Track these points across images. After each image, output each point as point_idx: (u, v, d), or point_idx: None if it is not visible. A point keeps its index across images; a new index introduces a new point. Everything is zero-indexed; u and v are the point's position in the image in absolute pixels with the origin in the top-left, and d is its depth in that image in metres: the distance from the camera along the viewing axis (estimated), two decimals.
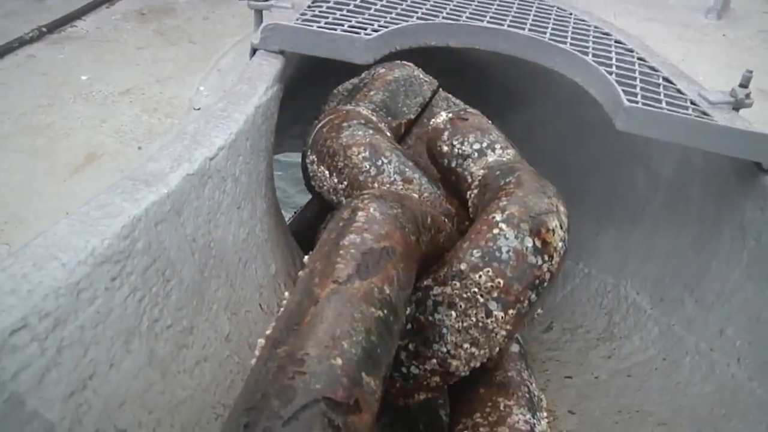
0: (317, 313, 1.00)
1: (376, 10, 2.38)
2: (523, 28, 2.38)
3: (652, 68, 2.35)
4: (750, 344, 1.77)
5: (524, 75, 3.08)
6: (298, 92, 2.61)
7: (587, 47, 2.35)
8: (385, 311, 1.08)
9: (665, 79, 2.26)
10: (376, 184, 1.85)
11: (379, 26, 2.18)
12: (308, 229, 2.88)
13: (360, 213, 1.26)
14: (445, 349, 1.44)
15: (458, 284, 1.41)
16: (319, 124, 2.07)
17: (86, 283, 0.95)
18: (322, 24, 2.13)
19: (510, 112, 3.33)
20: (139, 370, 1.03)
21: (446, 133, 1.91)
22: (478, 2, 2.63)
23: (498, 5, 2.64)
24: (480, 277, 1.39)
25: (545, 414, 1.64)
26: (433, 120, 2.01)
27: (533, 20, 2.51)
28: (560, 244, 1.46)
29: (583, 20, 2.67)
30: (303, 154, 2.14)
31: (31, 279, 0.89)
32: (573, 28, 2.53)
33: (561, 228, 1.48)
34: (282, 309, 1.08)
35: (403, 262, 1.22)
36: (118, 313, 1.01)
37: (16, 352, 0.83)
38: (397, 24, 2.21)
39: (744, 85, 2.15)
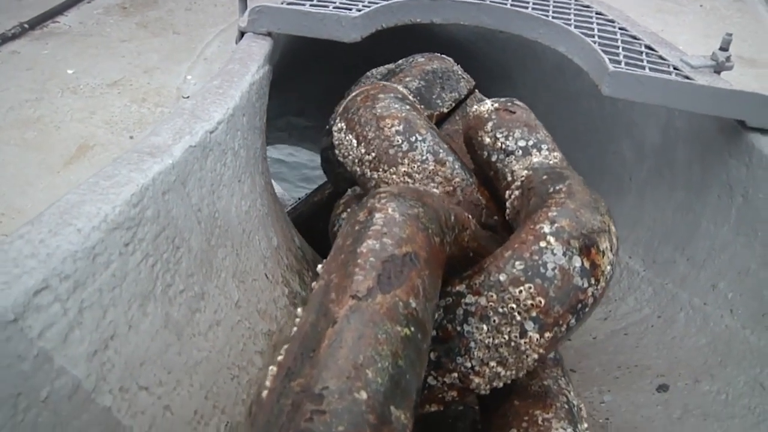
0: (335, 335, 0.90)
1: None
2: (506, 3, 2.41)
3: (634, 37, 2.38)
4: (741, 295, 1.82)
5: (506, 52, 3.12)
6: (283, 85, 2.63)
7: (569, 19, 2.39)
8: (413, 328, 0.97)
9: (647, 47, 2.30)
10: (406, 161, 1.74)
11: (364, 6, 2.20)
12: (305, 220, 2.89)
13: (377, 214, 1.15)
14: (469, 365, 1.33)
15: (495, 296, 1.29)
16: (353, 93, 1.95)
17: (101, 247, 0.97)
18: (306, 6, 2.15)
19: (493, 88, 3.36)
20: (156, 332, 1.05)
21: (490, 124, 1.78)
22: None
23: None
24: (520, 292, 1.27)
25: (586, 425, 1.51)
26: (476, 107, 1.88)
27: None
28: (609, 268, 1.35)
29: None
30: (328, 127, 2.08)
31: (49, 244, 0.91)
32: (554, 2, 2.57)
33: (611, 250, 1.37)
34: (295, 329, 0.98)
35: (429, 269, 1.11)
36: (133, 277, 1.03)
37: (41, 311, 0.85)
38: (381, 3, 2.23)
39: (724, 48, 2.20)
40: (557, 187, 1.47)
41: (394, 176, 1.73)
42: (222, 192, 1.39)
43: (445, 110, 2.25)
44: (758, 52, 3.30)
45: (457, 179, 1.74)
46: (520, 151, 1.72)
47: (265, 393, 0.92)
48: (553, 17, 2.36)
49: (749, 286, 1.81)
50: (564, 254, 1.28)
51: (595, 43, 2.18)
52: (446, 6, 2.36)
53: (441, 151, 1.75)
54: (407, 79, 2.22)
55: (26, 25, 2.99)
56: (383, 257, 1.05)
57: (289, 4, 2.14)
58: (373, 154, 1.76)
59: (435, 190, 1.73)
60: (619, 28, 2.43)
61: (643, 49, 2.27)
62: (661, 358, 1.87)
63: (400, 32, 2.37)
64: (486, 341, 1.30)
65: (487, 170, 1.78)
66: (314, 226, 2.53)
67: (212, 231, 1.30)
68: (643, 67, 2.05)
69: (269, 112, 2.02)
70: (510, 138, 1.73)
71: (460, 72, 2.36)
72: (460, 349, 1.32)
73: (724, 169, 2.04)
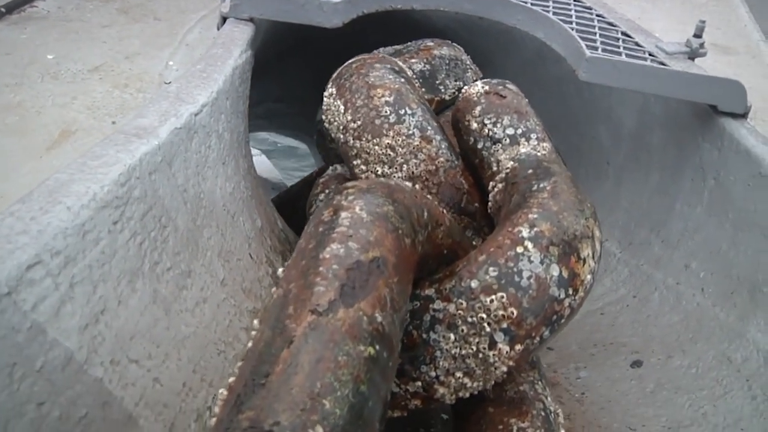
0: (291, 359, 0.82)
1: None
2: None
3: (611, 24, 2.43)
4: (713, 274, 1.88)
5: (487, 39, 3.15)
6: (264, 72, 2.64)
7: (548, 6, 2.43)
8: (377, 346, 0.89)
9: (624, 33, 2.35)
10: (391, 133, 1.67)
11: None
12: (292, 199, 2.89)
13: (343, 214, 1.07)
14: (434, 374, 1.26)
15: (464, 304, 1.22)
16: (350, 61, 1.91)
17: (90, 225, 1.00)
18: None
19: None
20: (145, 308, 1.08)
21: (478, 108, 1.71)
22: None
23: None
24: (491, 301, 1.20)
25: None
26: (465, 89, 1.81)
27: None
28: (589, 277, 1.28)
29: None
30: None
31: (40, 221, 0.93)
32: None
33: (593, 258, 1.30)
34: (250, 345, 0.91)
35: (398, 275, 1.02)
36: (122, 254, 1.06)
37: (34, 285, 0.87)
38: None
39: (698, 35, 2.25)
40: (541, 185, 1.40)
41: (376, 147, 1.69)
42: (207, 173, 1.41)
43: (447, 98, 2.21)
44: (731, 39, 3.37)
45: (442, 159, 1.69)
46: (508, 140, 1.64)
47: (213, 422, 0.86)
48: (531, 4, 2.40)
49: (720, 265, 1.88)
50: (541, 262, 1.22)
51: (572, 29, 2.22)
52: None
53: (429, 128, 1.69)
54: (413, 60, 2.17)
55: (2, 9, 2.96)
56: (347, 264, 0.96)
57: None
58: (359, 122, 1.71)
59: (414, 173, 1.67)
60: (597, 15, 2.48)
61: (619, 35, 2.31)
62: (635, 335, 1.93)
63: (382, 19, 2.40)
64: (453, 351, 1.23)
65: (473, 157, 1.72)
66: (300, 205, 2.51)
67: (198, 211, 1.33)
68: (620, 53, 2.10)
69: (250, 99, 2.04)
70: (498, 125, 1.66)
71: (468, 62, 2.32)
72: (425, 357, 1.25)
73: (698, 153, 2.10)
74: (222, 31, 1.99)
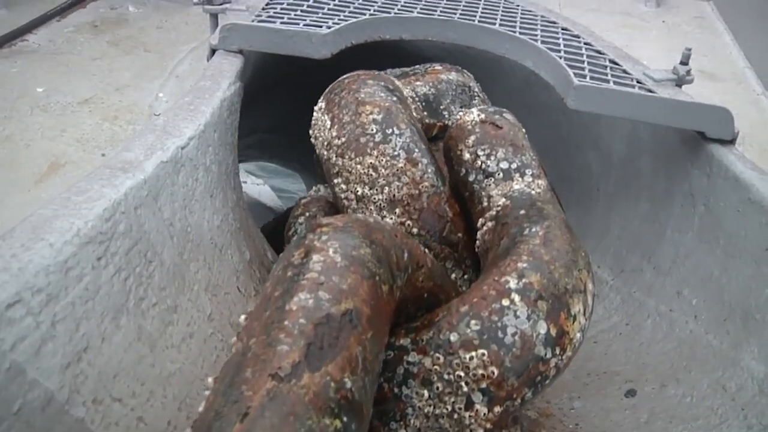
0: None
1: (329, 9, 2.44)
2: (473, 19, 2.47)
3: (599, 52, 2.45)
4: (705, 301, 1.87)
5: (475, 67, 3.17)
6: (254, 102, 2.65)
7: (536, 35, 2.45)
8: (345, 418, 0.80)
9: (611, 61, 2.37)
10: (375, 152, 1.59)
11: (333, 23, 2.24)
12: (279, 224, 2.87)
13: (315, 257, 0.97)
14: None
15: (442, 359, 1.13)
16: (344, 76, 1.85)
17: (74, 261, 0.98)
18: (277, 23, 2.18)
19: None
20: (130, 345, 1.06)
21: (472, 138, 1.62)
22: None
23: (447, 0, 2.72)
24: (471, 359, 1.11)
25: None
26: (459, 115, 1.73)
27: (482, 12, 2.59)
28: (578, 335, 1.19)
29: (530, 11, 2.78)
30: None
31: (21, 258, 0.92)
32: (521, 18, 2.63)
33: (584, 314, 1.21)
34: (201, 410, 0.81)
35: (372, 329, 0.93)
36: (106, 290, 1.04)
37: (13, 324, 0.86)
38: (351, 20, 2.27)
39: (684, 62, 2.27)
40: (533, 230, 1.31)
41: (358, 166, 1.62)
42: (194, 207, 1.40)
43: (450, 124, 2.08)
44: (717, 66, 3.41)
45: (426, 183, 1.61)
46: (501, 174, 1.56)
47: None
48: (520, 33, 2.42)
49: (712, 292, 1.87)
50: (528, 317, 1.13)
51: (560, 57, 2.24)
52: (414, 22, 2.41)
53: (416, 150, 1.62)
54: (418, 83, 2.09)
55: None
56: (316, 318, 0.86)
57: (260, 21, 2.17)
58: (343, 139, 1.64)
59: (395, 196, 1.58)
60: (584, 44, 2.50)
61: (607, 63, 2.33)
62: (629, 364, 1.91)
63: (371, 49, 2.41)
64: (426, 409, 1.14)
65: (463, 190, 1.63)
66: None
67: (184, 245, 1.32)
68: (608, 81, 2.11)
69: (241, 129, 2.03)
70: (492, 157, 1.57)
71: (477, 90, 2.24)
72: (396, 413, 1.16)
73: (687, 179, 2.11)
74: (211, 63, 2.00)
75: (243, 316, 0.93)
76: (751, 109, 2.96)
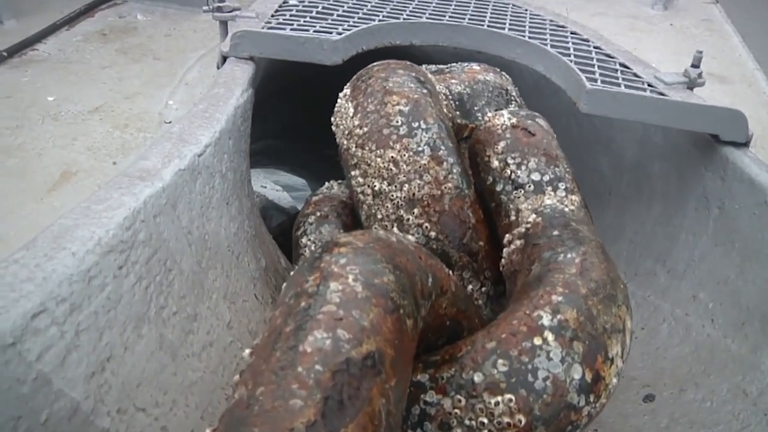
0: None
1: (338, 15, 2.44)
2: (482, 24, 2.47)
3: (608, 55, 2.45)
4: (722, 305, 1.86)
5: None
6: (263, 109, 2.64)
7: (545, 39, 2.45)
8: None
9: (622, 65, 2.36)
10: (398, 146, 1.49)
11: (344, 29, 2.24)
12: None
13: (332, 284, 0.84)
14: None
15: (463, 402, 1.01)
16: (373, 63, 1.76)
17: (96, 270, 0.98)
18: (288, 30, 2.18)
19: None
20: (152, 354, 1.06)
21: (502, 144, 1.51)
22: (436, 4, 2.71)
23: (455, 6, 2.72)
24: (497, 404, 0.99)
25: None
26: (489, 117, 1.62)
27: (491, 17, 2.60)
28: (614, 380, 1.07)
29: (539, 15, 2.78)
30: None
31: (45, 268, 0.92)
32: (530, 22, 2.63)
33: (621, 357, 1.09)
34: None
35: (396, 374, 0.81)
36: (128, 299, 1.04)
37: (39, 334, 0.85)
38: (361, 26, 2.27)
39: (696, 65, 2.27)
40: (569, 256, 1.18)
41: (378, 159, 1.52)
42: (211, 214, 1.40)
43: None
44: (727, 68, 3.40)
45: (450, 185, 1.49)
46: (532, 186, 1.44)
47: None
48: (529, 37, 2.42)
49: (728, 295, 1.86)
50: (562, 360, 1.01)
51: (571, 61, 2.24)
52: (425, 28, 2.41)
53: (442, 147, 1.50)
54: (453, 81, 1.98)
55: (4, 53, 2.99)
56: (335, 365, 0.73)
57: (270, 28, 2.18)
58: (366, 129, 1.53)
59: (415, 195, 1.44)
60: (594, 47, 2.50)
61: (618, 66, 2.33)
62: (646, 368, 1.90)
63: (381, 56, 2.41)
64: None
65: (489, 200, 1.52)
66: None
67: (203, 253, 1.32)
68: (619, 85, 2.10)
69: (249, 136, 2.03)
70: (523, 167, 1.46)
71: (515, 94, 2.13)
72: None
73: (701, 182, 2.10)
74: (223, 71, 2.00)
75: (248, 351, 0.81)
76: (762, 112, 2.96)
